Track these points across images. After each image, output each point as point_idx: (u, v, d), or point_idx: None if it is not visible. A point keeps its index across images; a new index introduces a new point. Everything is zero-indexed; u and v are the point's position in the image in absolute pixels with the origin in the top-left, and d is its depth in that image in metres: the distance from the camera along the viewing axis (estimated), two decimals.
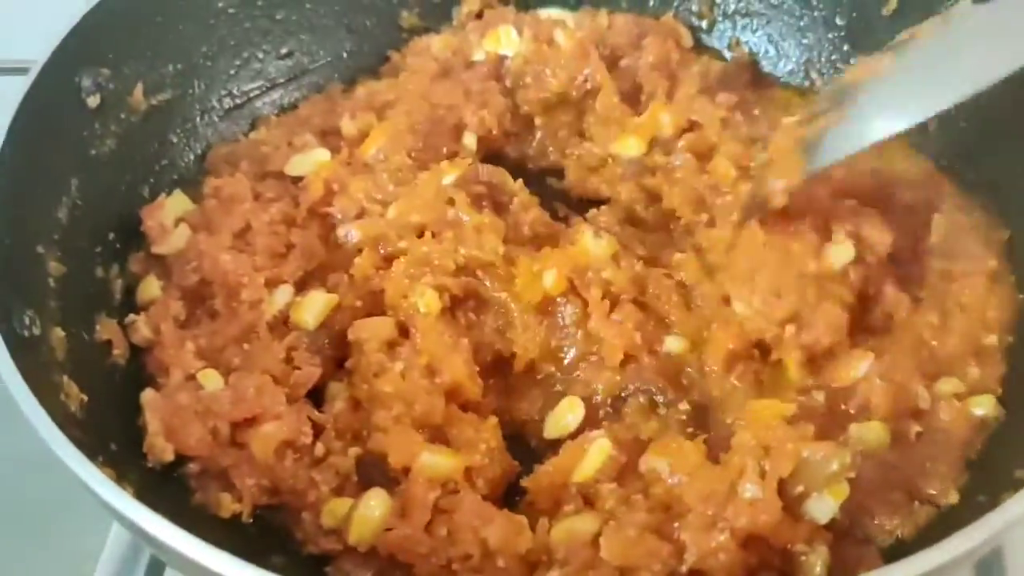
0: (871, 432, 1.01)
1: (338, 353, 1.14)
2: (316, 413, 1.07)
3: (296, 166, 1.29)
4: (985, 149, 1.24)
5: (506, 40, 1.39)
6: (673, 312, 1.14)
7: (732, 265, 1.13)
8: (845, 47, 1.41)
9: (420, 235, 1.18)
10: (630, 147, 1.32)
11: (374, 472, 1.03)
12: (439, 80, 1.38)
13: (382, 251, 1.18)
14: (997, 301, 1.12)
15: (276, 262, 1.18)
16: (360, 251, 1.19)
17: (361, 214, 1.22)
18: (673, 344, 1.12)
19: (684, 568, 0.88)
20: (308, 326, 1.14)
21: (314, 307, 1.14)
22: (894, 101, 1.07)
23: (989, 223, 1.19)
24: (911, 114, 1.05)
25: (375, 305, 1.16)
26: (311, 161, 1.29)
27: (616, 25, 1.42)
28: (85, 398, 1.00)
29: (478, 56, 1.41)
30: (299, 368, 1.10)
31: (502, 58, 1.39)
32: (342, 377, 1.12)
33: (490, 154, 1.36)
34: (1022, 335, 1.11)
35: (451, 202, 1.19)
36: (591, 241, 1.17)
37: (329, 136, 1.35)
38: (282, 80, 1.45)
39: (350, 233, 1.21)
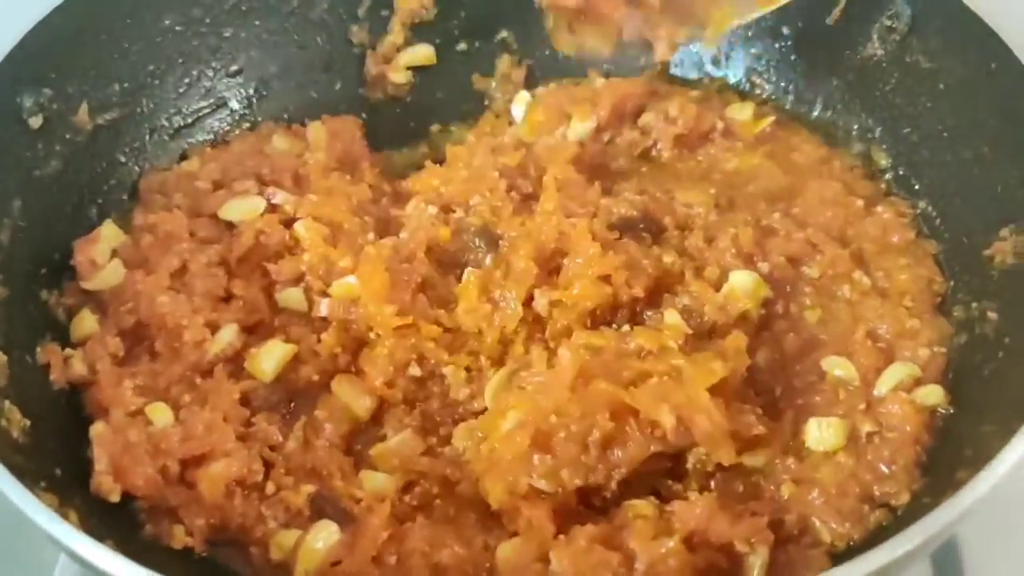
0: (830, 428, 1.02)
1: (295, 404, 1.12)
2: (268, 451, 1.05)
3: (230, 211, 1.23)
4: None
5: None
6: None
7: None
8: (792, 57, 1.43)
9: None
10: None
11: (327, 506, 1.01)
12: None
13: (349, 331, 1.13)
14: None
15: (216, 306, 1.14)
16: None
17: (301, 278, 1.17)
18: None
19: None
20: (265, 377, 1.10)
21: (271, 358, 1.10)
22: None
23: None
24: None
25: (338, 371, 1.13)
26: (245, 210, 1.22)
27: None
28: (28, 423, 0.98)
29: None
30: (254, 424, 1.07)
31: None
32: (295, 419, 1.09)
33: None
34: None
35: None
36: None
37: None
38: (233, 97, 1.42)
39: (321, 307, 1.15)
